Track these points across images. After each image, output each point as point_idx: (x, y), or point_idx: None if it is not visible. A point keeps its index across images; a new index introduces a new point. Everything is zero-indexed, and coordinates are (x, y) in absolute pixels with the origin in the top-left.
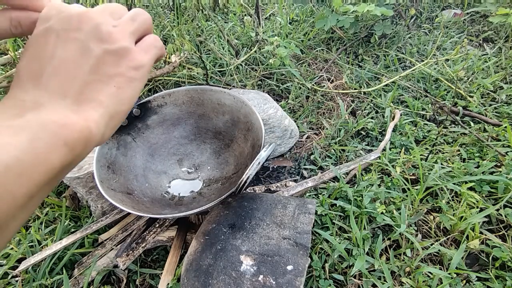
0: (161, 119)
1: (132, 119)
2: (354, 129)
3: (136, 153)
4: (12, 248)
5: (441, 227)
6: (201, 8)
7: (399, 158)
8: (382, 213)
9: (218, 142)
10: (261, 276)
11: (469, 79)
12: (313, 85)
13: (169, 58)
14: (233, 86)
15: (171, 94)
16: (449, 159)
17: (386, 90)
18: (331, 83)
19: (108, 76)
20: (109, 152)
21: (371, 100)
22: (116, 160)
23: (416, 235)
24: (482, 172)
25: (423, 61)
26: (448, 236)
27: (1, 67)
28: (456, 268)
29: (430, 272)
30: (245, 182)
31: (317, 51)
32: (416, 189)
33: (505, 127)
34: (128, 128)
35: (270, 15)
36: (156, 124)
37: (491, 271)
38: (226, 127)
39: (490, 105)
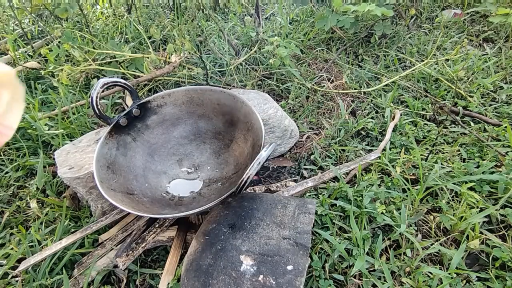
0: (160, 119)
1: (132, 119)
2: (354, 129)
3: (136, 153)
4: (12, 248)
5: (441, 227)
6: (201, 8)
7: (399, 158)
8: (382, 213)
9: (218, 142)
10: (261, 276)
11: (469, 79)
12: (313, 85)
13: (169, 58)
14: (233, 86)
15: (171, 94)
16: (449, 159)
17: (386, 90)
18: (331, 83)
19: None
20: (108, 152)
21: (371, 100)
22: (116, 160)
23: (416, 235)
24: (482, 172)
25: (423, 61)
26: (448, 236)
27: None
28: (456, 268)
29: (430, 272)
30: (245, 182)
31: (317, 51)
32: (416, 189)
33: (505, 127)
34: (127, 128)
35: (270, 15)
36: (156, 124)
37: (491, 271)
38: (226, 127)
39: (490, 105)
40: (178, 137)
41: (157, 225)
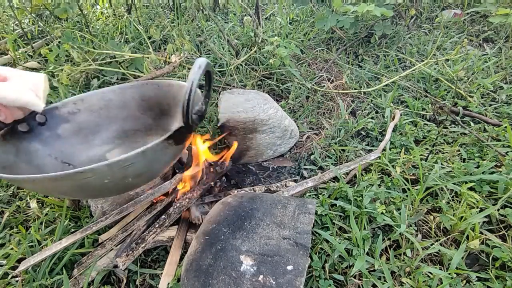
0: (75, 128)
1: (37, 126)
2: (354, 129)
3: (47, 162)
4: (12, 248)
5: (441, 227)
6: (201, 8)
7: (399, 158)
8: (382, 213)
9: (153, 137)
10: (261, 276)
11: (469, 79)
12: (313, 85)
13: (169, 58)
14: (233, 86)
15: (84, 99)
16: (449, 159)
17: (386, 90)
18: (331, 83)
19: None
20: (4, 156)
21: (371, 100)
22: (16, 166)
23: (416, 235)
24: (482, 172)
25: (423, 61)
26: (448, 236)
27: (1, 67)
28: (456, 268)
29: (430, 272)
30: (191, 91)
31: (317, 51)
32: (416, 189)
33: (505, 127)
34: (32, 136)
35: (270, 15)
36: (70, 133)
37: (491, 271)
38: (157, 120)
39: (490, 105)
40: (101, 144)
41: (157, 225)
